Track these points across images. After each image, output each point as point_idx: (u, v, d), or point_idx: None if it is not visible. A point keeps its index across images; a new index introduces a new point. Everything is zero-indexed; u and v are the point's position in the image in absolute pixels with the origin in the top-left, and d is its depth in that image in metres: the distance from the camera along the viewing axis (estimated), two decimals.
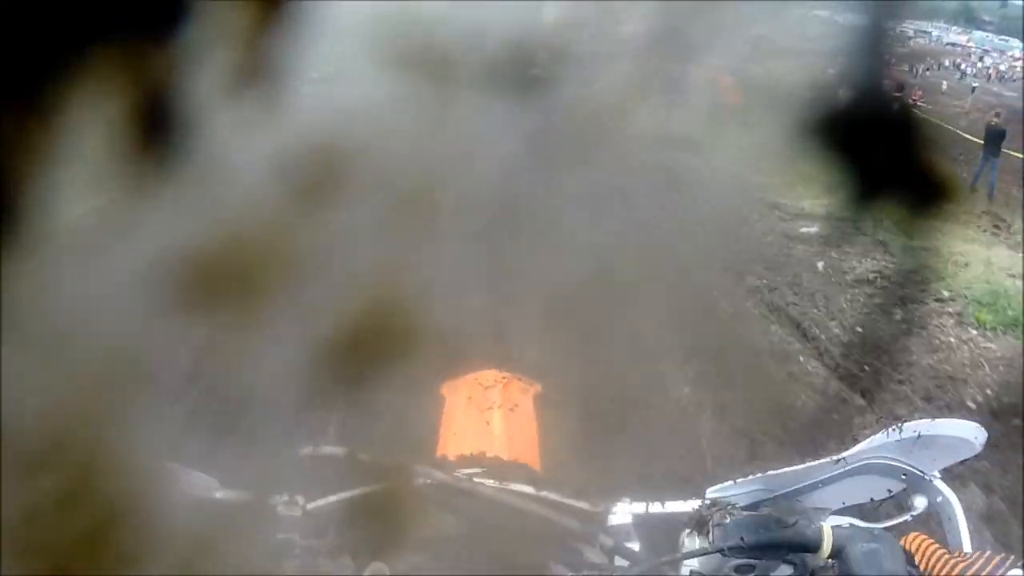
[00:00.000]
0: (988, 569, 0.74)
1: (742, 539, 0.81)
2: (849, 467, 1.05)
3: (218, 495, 0.98)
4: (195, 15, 1.12)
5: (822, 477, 1.04)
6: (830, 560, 0.80)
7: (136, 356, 1.97)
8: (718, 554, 0.83)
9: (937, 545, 0.80)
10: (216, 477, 1.19)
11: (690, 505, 1.03)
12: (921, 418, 1.14)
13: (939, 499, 1.00)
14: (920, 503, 1.02)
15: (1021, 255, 5.96)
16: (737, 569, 0.83)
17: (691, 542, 0.90)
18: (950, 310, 4.88)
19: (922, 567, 0.76)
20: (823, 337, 4.52)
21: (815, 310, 4.89)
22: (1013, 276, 5.40)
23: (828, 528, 0.81)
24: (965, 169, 8.36)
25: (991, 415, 3.90)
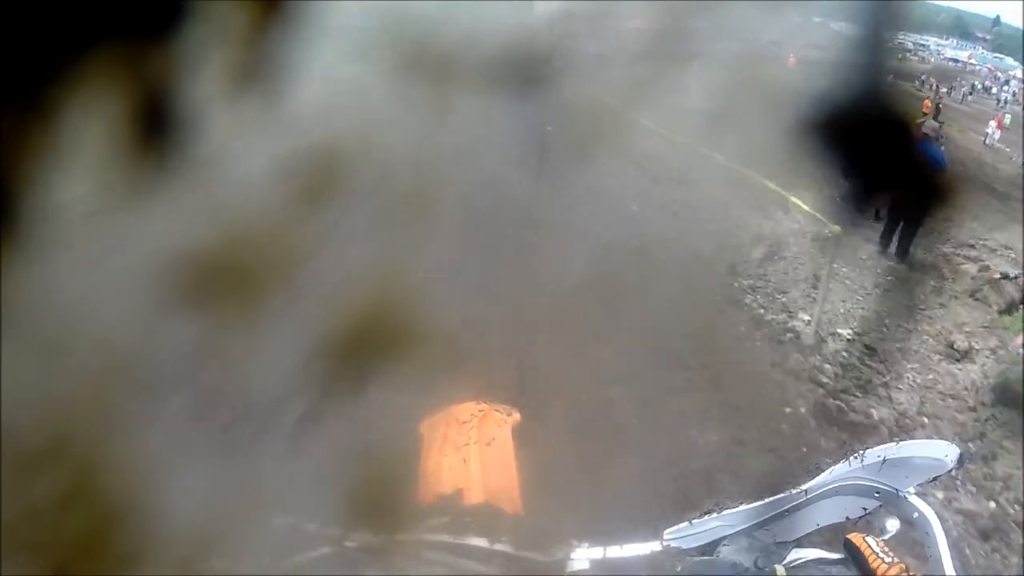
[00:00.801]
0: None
1: None
2: (817, 493, 1.04)
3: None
4: (195, 15, 1.12)
5: (787, 507, 1.03)
6: None
7: (133, 354, 1.97)
8: None
9: (871, 550, 0.83)
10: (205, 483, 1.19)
11: (648, 547, 1.02)
12: (886, 443, 1.15)
13: (915, 515, 0.99)
14: (892, 526, 1.01)
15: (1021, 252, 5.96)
16: None
17: None
18: None
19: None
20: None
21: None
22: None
23: (781, 569, 0.83)
24: None
25: None
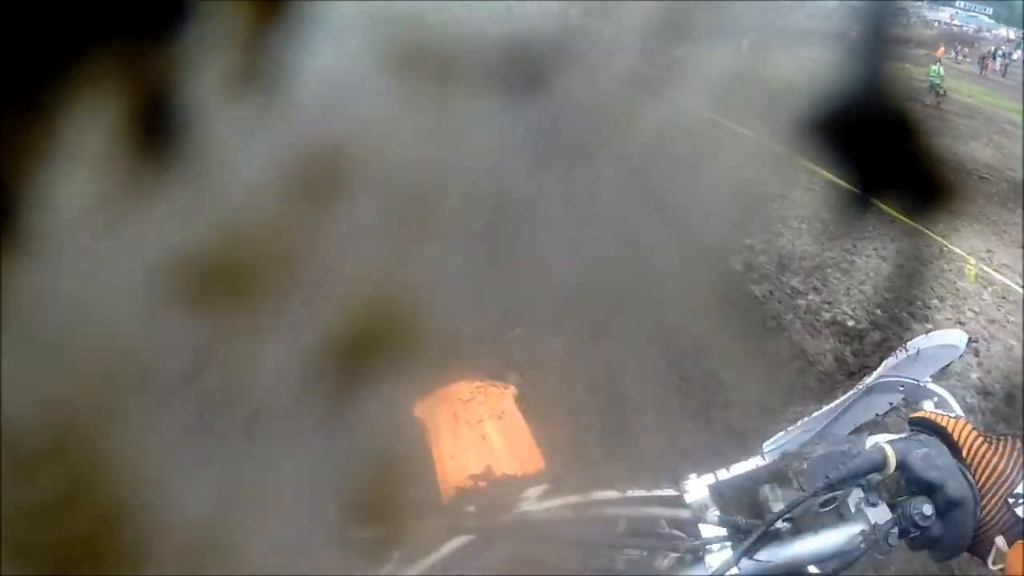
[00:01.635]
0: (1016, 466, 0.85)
1: (827, 477, 0.88)
2: (858, 394, 1.13)
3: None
4: (195, 15, 1.12)
5: (841, 409, 1.13)
6: (895, 473, 0.88)
7: (134, 354, 1.97)
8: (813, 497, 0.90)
9: (977, 433, 0.89)
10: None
11: (753, 463, 1.08)
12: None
13: (935, 399, 1.09)
14: (927, 406, 1.10)
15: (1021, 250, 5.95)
16: (822, 504, 0.90)
17: (774, 494, 0.97)
18: None
19: (966, 455, 0.87)
20: None
21: None
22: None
23: (889, 448, 0.88)
24: None
25: None
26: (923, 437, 0.92)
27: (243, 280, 2.24)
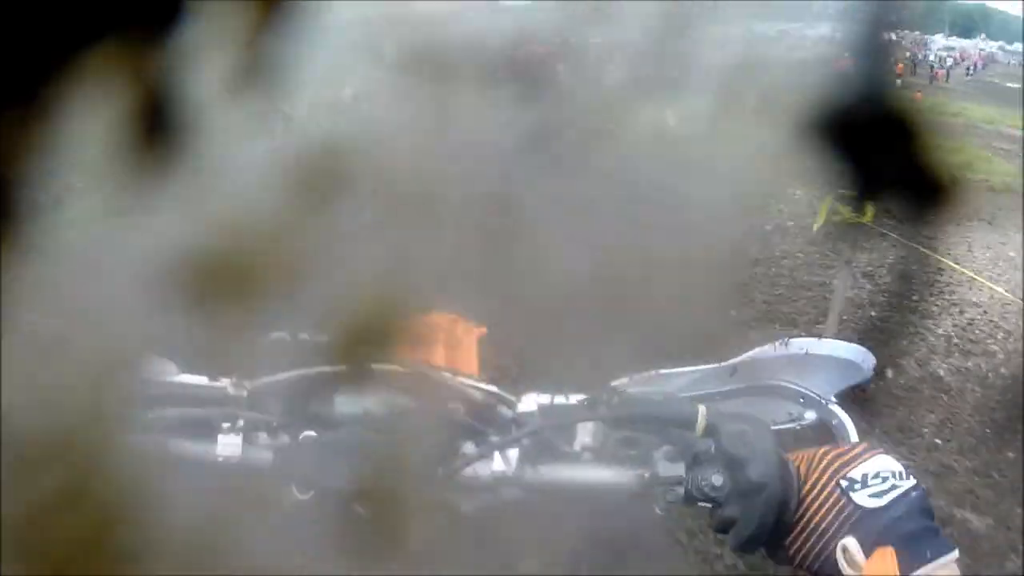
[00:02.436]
0: (854, 452, 0.79)
1: (632, 411, 0.91)
2: (745, 386, 1.13)
3: (176, 379, 1.11)
4: (195, 15, 1.13)
5: (720, 389, 1.12)
6: (706, 439, 0.88)
7: (134, 354, 1.97)
8: (602, 426, 0.92)
9: (815, 450, 0.84)
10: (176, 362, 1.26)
11: (590, 396, 1.15)
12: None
13: (835, 422, 1.09)
14: (810, 416, 1.11)
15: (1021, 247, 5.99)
16: (621, 442, 0.93)
17: (583, 424, 0.97)
18: None
19: (804, 473, 0.82)
20: None
21: None
22: None
23: (703, 408, 0.90)
24: None
25: None
26: (756, 419, 0.94)
27: (243, 279, 2.24)
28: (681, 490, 0.90)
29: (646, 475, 0.93)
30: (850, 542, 0.73)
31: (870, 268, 5.62)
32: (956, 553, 0.70)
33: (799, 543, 0.78)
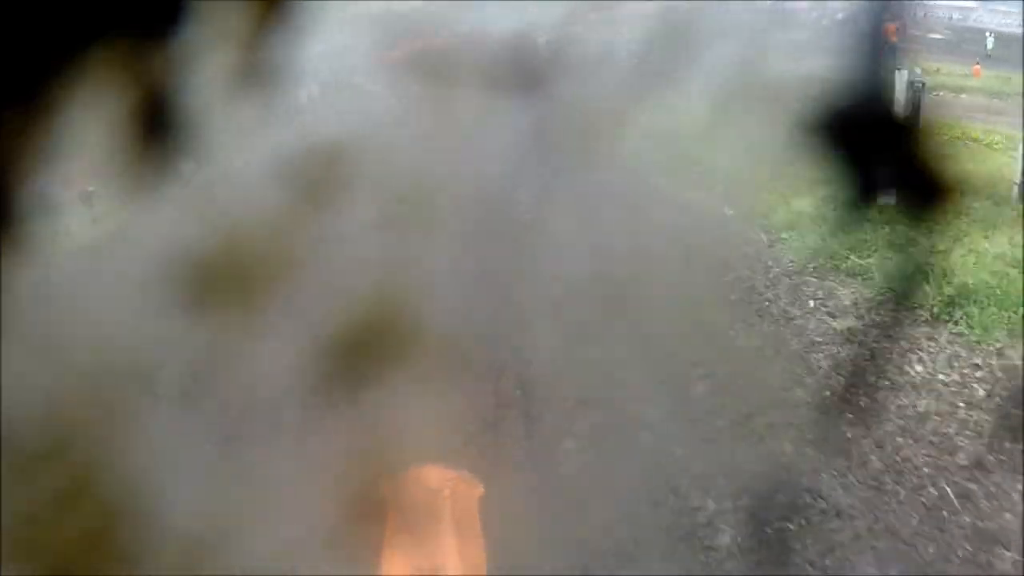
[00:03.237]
0: None
1: None
2: None
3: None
4: (195, 15, 1.12)
5: None
6: None
7: (134, 354, 1.96)
8: None
9: None
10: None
11: None
12: None
13: None
14: None
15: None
16: None
17: None
18: None
19: None
20: None
21: None
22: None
23: None
24: None
25: None
26: None
27: (243, 279, 2.23)
28: None
29: None
30: None
31: None
32: None
33: None
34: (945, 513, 2.59)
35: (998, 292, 4.33)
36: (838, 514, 2.40)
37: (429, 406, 2.14)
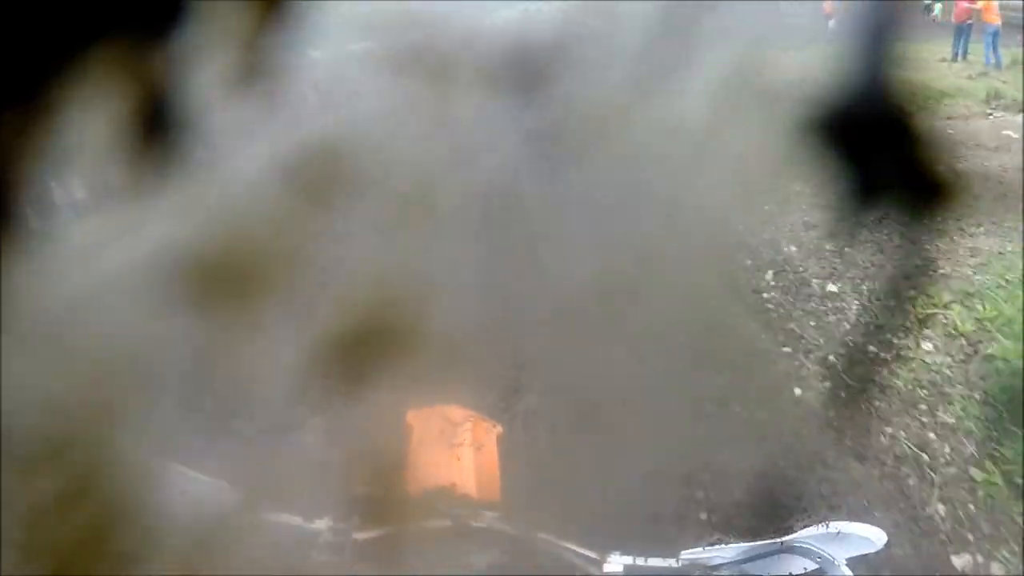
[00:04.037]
0: None
1: None
2: (781, 544, 1.41)
3: (226, 500, 1.06)
4: (195, 15, 1.12)
5: (762, 552, 1.38)
6: None
7: (133, 353, 1.97)
8: None
9: None
10: (222, 479, 1.30)
11: (667, 563, 1.37)
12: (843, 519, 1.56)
13: None
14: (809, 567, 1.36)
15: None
16: None
17: None
18: None
19: None
20: None
21: None
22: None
23: None
24: None
25: None
26: None
27: (242, 278, 2.23)
28: None
29: None
30: None
31: None
32: None
33: None
34: None
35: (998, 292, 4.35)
36: None
37: (429, 405, 2.22)
